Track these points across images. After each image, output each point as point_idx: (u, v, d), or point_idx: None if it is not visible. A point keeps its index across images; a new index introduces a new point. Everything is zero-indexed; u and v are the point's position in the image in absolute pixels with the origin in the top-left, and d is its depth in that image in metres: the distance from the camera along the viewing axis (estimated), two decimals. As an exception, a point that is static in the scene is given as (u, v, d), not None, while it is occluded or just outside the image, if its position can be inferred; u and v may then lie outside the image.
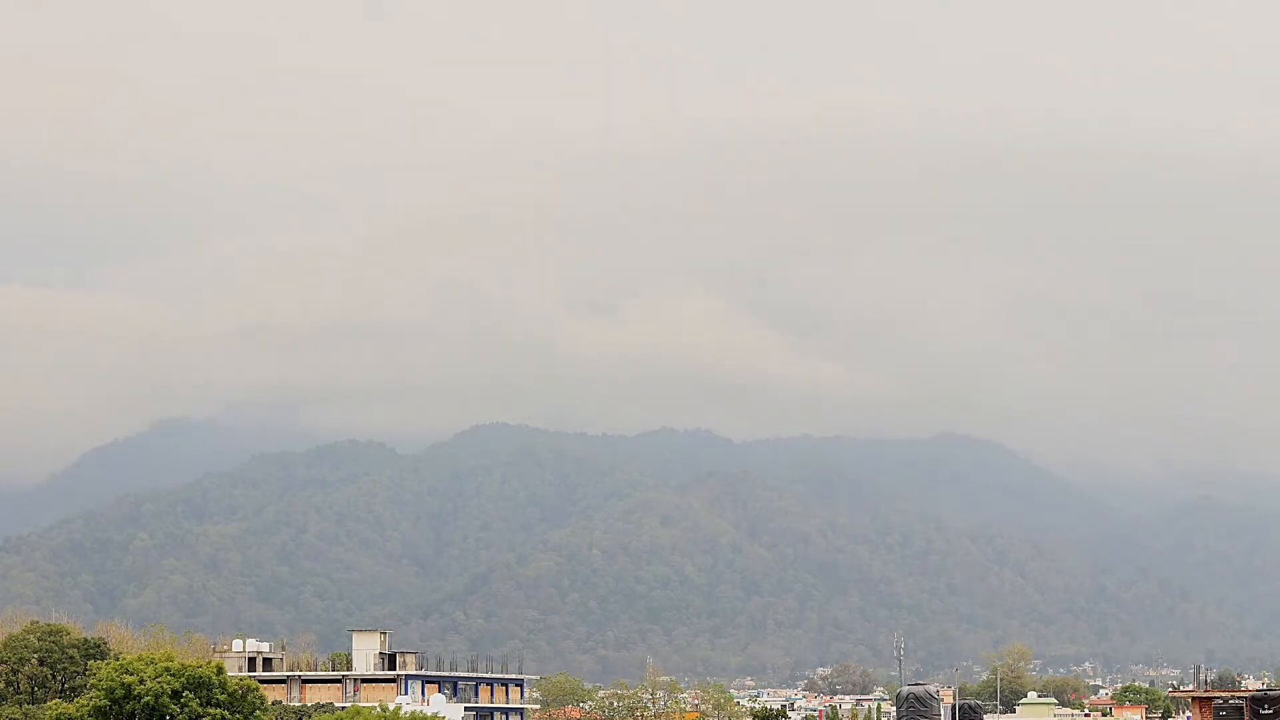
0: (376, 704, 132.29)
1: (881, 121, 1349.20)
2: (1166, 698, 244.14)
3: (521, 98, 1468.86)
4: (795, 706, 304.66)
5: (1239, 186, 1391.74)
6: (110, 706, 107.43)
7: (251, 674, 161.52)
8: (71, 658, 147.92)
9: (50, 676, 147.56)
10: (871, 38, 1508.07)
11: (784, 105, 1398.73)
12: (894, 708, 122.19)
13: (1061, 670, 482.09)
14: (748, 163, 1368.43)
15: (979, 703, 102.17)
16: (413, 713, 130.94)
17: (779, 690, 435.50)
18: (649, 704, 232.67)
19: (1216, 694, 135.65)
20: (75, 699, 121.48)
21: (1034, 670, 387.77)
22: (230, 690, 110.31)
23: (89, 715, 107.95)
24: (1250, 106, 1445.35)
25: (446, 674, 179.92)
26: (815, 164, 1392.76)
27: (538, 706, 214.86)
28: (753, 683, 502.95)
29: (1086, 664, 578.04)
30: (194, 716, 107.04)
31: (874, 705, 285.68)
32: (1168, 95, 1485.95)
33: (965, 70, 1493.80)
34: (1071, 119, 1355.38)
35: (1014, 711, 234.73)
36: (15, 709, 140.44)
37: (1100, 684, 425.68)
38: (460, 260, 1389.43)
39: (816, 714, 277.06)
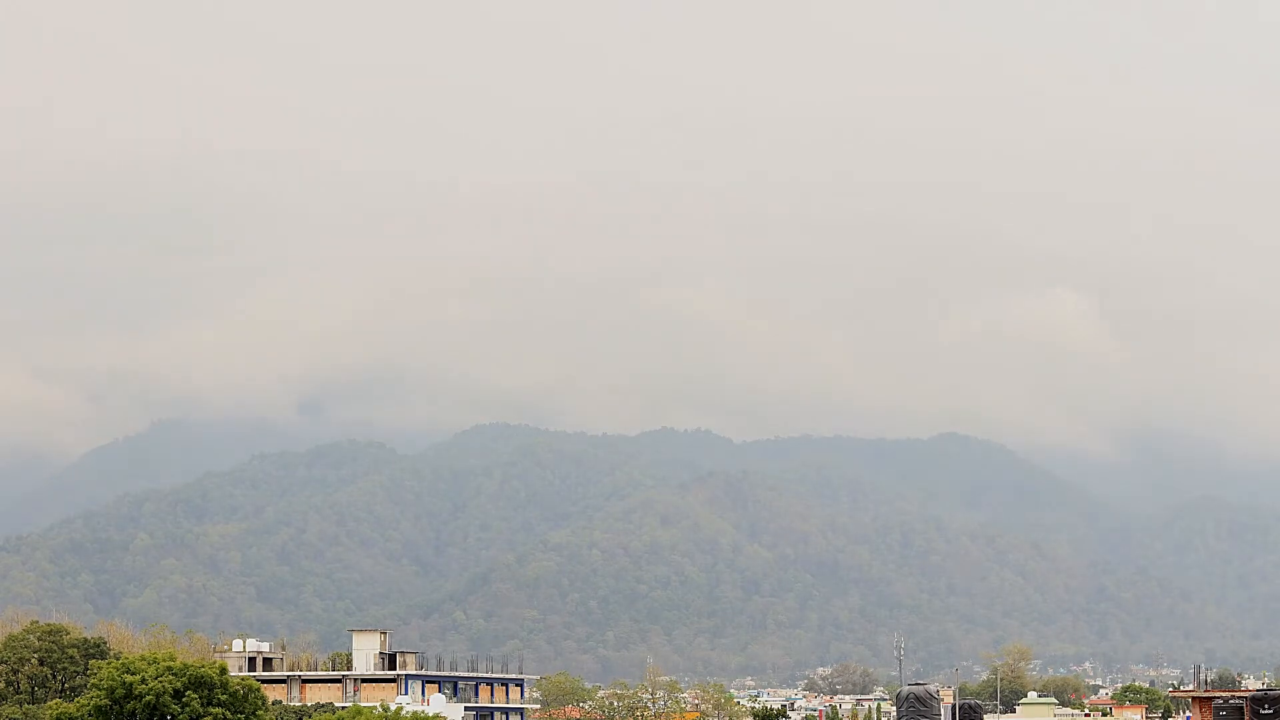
0: (377, 704, 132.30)
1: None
2: (1166, 698, 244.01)
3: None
4: (795, 706, 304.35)
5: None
6: (111, 706, 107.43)
7: (252, 674, 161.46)
8: (72, 657, 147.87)
9: (50, 676, 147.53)
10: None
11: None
12: (894, 708, 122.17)
13: (1061, 670, 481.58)
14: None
15: (979, 703, 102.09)
16: (413, 713, 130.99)
17: (779, 690, 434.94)
18: (649, 704, 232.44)
19: (1216, 694, 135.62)
20: (76, 699, 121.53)
21: (1034, 670, 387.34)
22: (232, 690, 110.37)
23: (89, 715, 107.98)
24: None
25: (446, 674, 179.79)
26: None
27: (538, 706, 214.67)
28: (753, 683, 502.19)
29: (1086, 664, 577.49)
30: (195, 716, 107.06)
31: (874, 705, 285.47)
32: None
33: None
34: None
35: (1014, 711, 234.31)
36: (15, 709, 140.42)
37: (1100, 684, 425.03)
38: (460, 259, 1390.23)
39: (816, 714, 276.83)
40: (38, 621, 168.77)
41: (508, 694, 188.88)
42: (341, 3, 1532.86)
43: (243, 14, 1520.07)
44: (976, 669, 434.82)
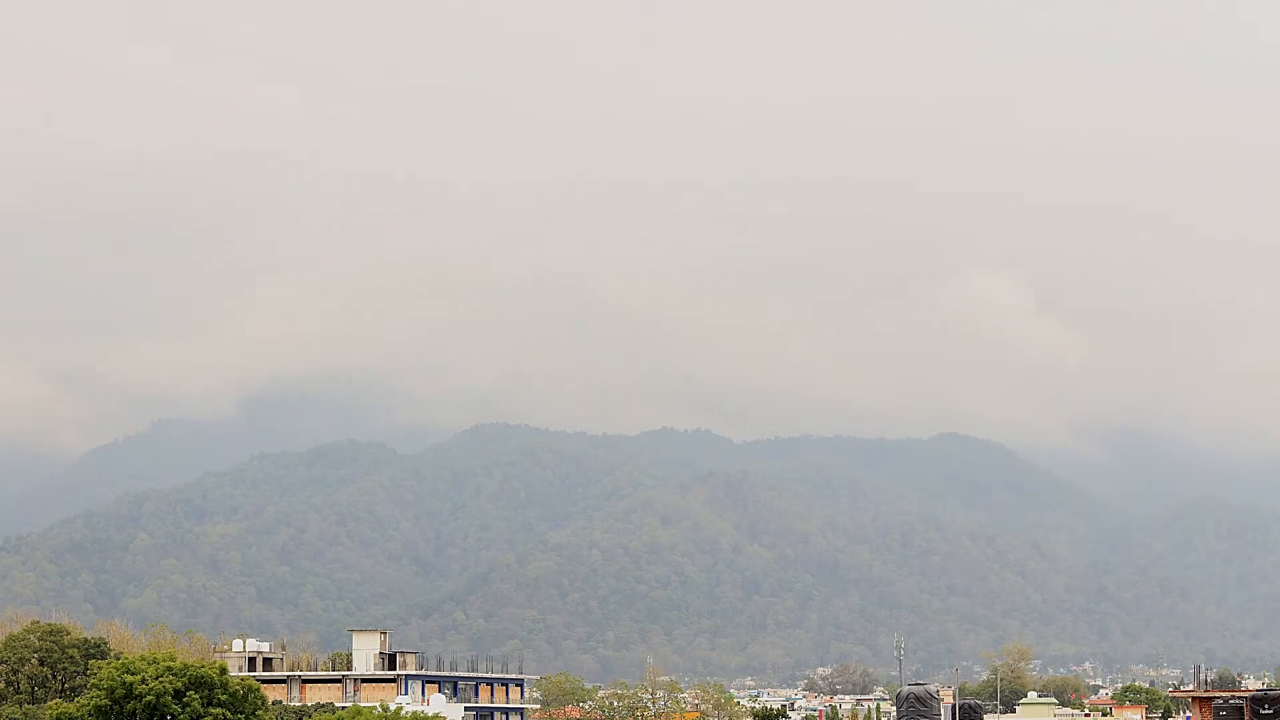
0: (377, 704, 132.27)
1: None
2: (1166, 698, 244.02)
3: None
4: (795, 706, 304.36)
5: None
6: (111, 706, 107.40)
7: (252, 674, 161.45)
8: (72, 658, 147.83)
9: (51, 676, 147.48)
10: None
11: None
12: (894, 708, 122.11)
13: (1061, 670, 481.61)
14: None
15: (979, 703, 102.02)
16: (413, 713, 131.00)
17: (779, 690, 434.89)
18: (649, 704, 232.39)
19: (1216, 694, 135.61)
20: (76, 699, 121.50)
21: (1034, 670, 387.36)
22: (232, 690, 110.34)
23: (89, 715, 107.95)
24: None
25: (446, 674, 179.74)
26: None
27: (538, 706, 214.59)
28: (753, 683, 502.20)
29: (1086, 664, 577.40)
30: (196, 716, 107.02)
31: (874, 705, 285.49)
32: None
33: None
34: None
35: (1014, 711, 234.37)
36: (15, 709, 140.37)
37: (1100, 684, 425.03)
38: (459, 259, 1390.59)
39: (816, 714, 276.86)
40: (38, 621, 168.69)
41: (508, 694, 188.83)
42: (341, 4, 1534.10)
43: (241, 15, 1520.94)
44: (976, 669, 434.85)
